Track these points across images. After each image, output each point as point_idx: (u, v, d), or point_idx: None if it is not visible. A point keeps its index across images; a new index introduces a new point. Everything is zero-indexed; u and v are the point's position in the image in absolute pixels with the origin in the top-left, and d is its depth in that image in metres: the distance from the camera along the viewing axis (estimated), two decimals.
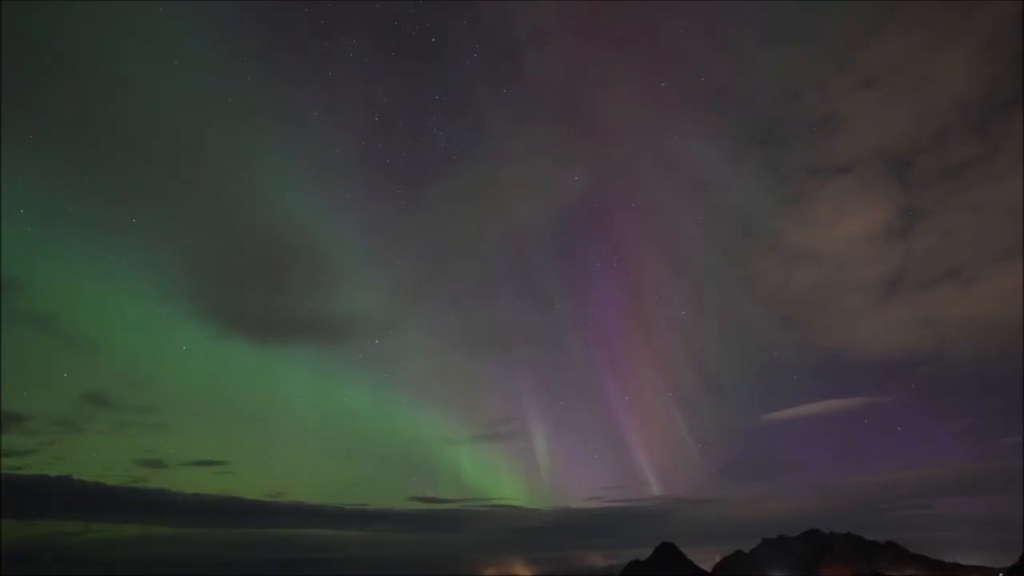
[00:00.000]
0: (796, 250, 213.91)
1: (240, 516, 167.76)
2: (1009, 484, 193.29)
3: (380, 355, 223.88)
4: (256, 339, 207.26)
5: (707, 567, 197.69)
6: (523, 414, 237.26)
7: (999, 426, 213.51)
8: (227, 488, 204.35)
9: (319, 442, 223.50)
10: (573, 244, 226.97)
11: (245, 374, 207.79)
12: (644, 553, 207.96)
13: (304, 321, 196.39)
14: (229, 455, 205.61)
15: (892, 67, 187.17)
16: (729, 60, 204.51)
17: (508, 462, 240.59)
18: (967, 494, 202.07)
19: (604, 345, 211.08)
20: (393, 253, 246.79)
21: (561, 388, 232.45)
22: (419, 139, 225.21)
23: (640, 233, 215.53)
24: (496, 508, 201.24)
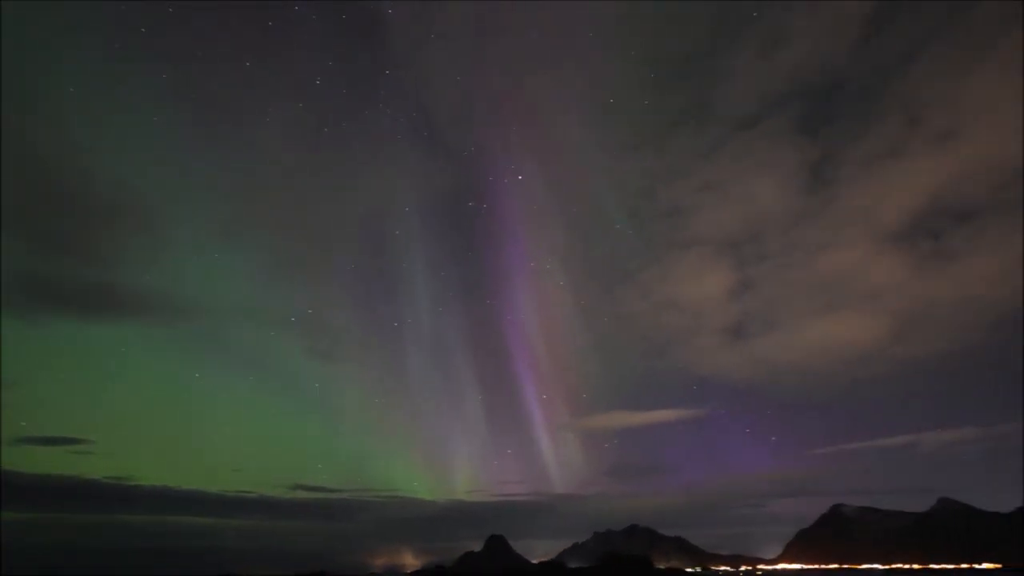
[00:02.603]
0: (662, 300, 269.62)
1: (98, 500, 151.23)
2: (816, 486, 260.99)
3: (263, 336, 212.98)
4: (85, 313, 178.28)
5: (547, 556, 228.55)
6: (432, 404, 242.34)
7: (812, 440, 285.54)
8: (84, 470, 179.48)
9: (193, 425, 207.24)
10: (500, 247, 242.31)
11: (77, 349, 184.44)
12: (531, 546, 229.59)
13: (149, 296, 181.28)
14: (90, 433, 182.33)
15: (722, 180, 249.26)
16: (602, 152, 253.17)
17: (408, 453, 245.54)
18: (791, 495, 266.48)
19: (525, 348, 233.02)
20: (262, 230, 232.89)
21: (480, 383, 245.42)
22: (299, 113, 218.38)
23: (549, 258, 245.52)
24: (391, 499, 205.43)
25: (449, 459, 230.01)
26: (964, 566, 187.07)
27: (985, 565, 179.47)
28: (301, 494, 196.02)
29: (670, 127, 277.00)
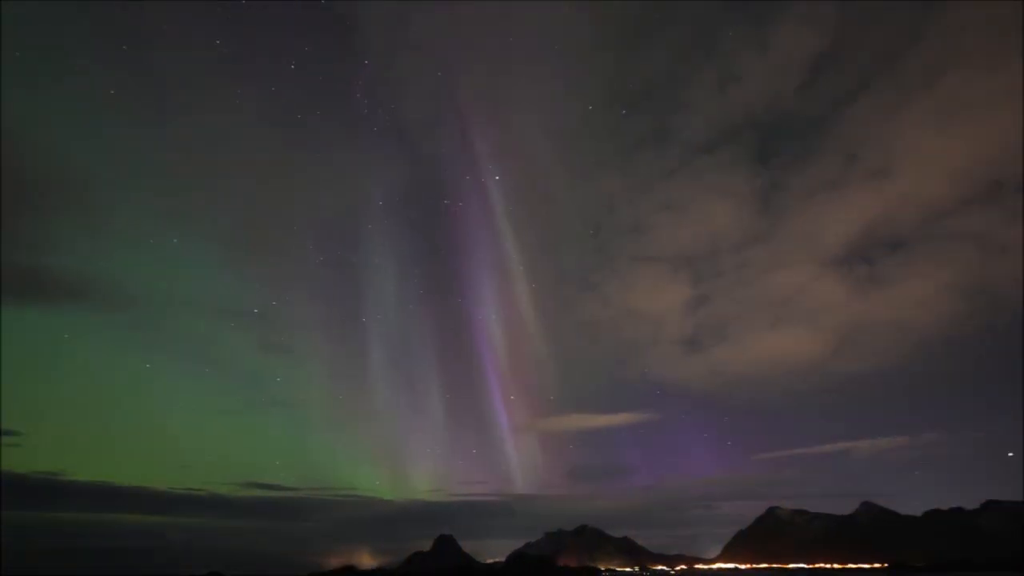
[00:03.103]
0: (623, 310, 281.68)
1: (26, 496, 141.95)
2: (758, 490, 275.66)
3: (221, 328, 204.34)
4: (16, 297, 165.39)
5: (498, 556, 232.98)
6: (397, 403, 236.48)
7: (758, 446, 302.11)
8: (12, 464, 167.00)
9: (141, 419, 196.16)
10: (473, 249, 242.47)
11: (5, 335, 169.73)
12: (486, 546, 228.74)
13: (94, 282, 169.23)
14: (18, 425, 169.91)
15: (681, 200, 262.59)
16: (572, 164, 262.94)
17: (370, 451, 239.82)
18: (736, 498, 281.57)
19: (493, 349, 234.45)
20: (225, 218, 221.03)
21: (446, 382, 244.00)
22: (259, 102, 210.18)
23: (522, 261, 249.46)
24: (348, 498, 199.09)
25: (412, 458, 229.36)
26: (878, 565, 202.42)
27: (889, 564, 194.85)
28: (254, 492, 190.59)
29: (635, 146, 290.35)
